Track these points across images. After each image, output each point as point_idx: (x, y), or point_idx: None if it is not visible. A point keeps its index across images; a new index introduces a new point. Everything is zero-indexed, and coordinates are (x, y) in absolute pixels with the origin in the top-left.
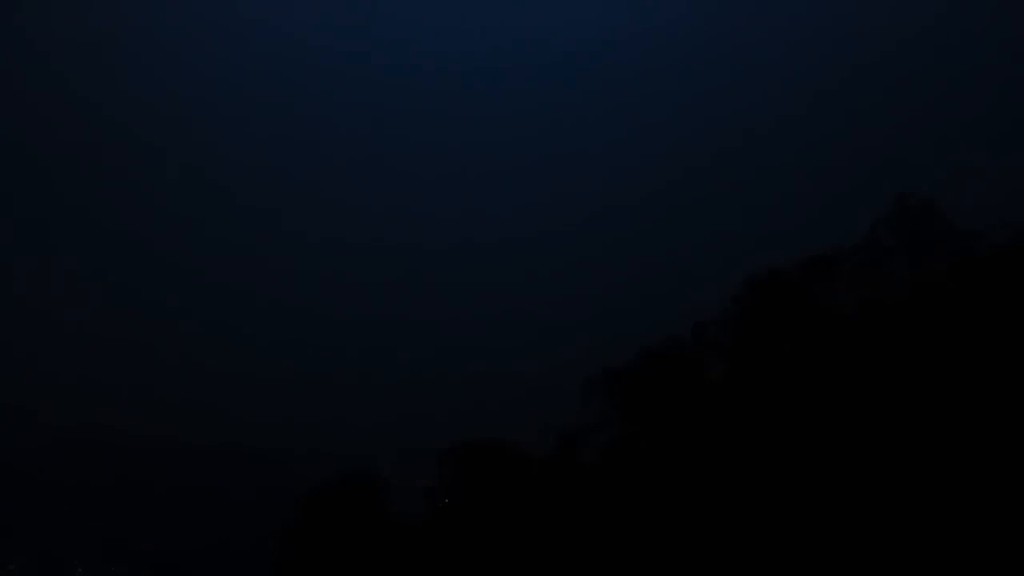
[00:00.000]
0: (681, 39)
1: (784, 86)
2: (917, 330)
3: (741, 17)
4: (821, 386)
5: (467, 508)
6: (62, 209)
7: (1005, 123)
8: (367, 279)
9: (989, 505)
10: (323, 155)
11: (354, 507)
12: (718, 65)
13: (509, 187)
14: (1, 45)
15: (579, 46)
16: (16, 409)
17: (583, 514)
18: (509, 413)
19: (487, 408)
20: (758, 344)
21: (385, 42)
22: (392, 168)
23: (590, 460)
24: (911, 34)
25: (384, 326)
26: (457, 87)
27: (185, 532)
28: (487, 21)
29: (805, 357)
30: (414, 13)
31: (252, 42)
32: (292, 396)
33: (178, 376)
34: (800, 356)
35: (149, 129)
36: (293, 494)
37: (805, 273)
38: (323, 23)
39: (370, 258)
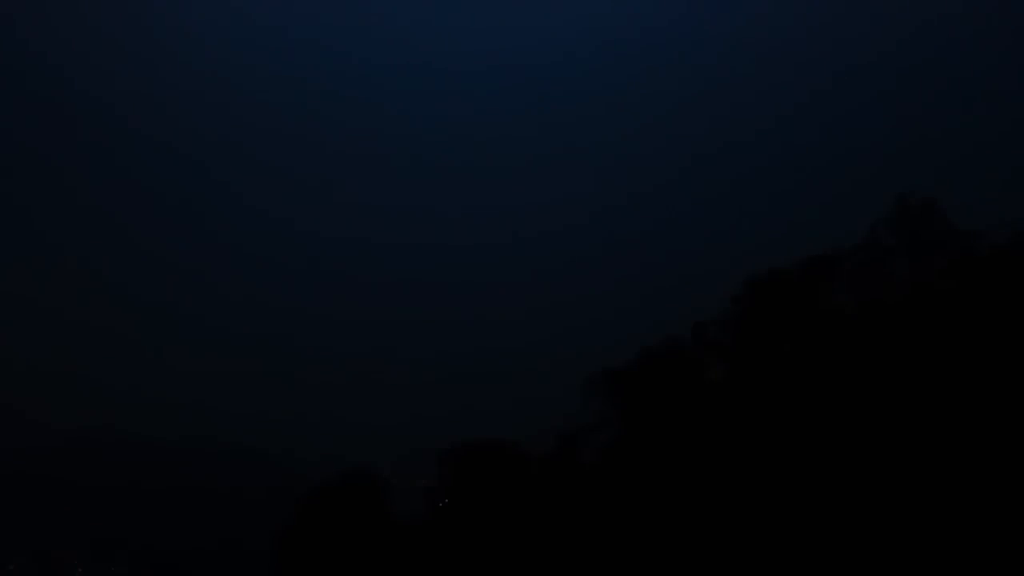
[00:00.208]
0: (680, 39)
1: (784, 86)
2: (917, 330)
3: (741, 17)
4: (821, 386)
5: (467, 508)
6: (62, 208)
7: (1005, 123)
8: (367, 279)
9: (989, 505)
10: (325, 155)
11: (354, 507)
12: (717, 65)
13: (509, 187)
14: (1, 45)
15: (579, 46)
16: (16, 409)
17: (583, 514)
18: (509, 413)
19: (487, 408)
20: (758, 344)
21: (387, 42)
22: (392, 169)
23: (590, 460)
24: (911, 34)
25: (384, 326)
26: (458, 87)
27: (185, 532)
28: (489, 21)
29: (805, 357)
30: (416, 13)
31: (253, 42)
32: (292, 396)
33: (178, 376)
34: (800, 356)
35: (149, 128)
36: (293, 494)
37: (805, 273)
38: (325, 23)
39: (370, 258)
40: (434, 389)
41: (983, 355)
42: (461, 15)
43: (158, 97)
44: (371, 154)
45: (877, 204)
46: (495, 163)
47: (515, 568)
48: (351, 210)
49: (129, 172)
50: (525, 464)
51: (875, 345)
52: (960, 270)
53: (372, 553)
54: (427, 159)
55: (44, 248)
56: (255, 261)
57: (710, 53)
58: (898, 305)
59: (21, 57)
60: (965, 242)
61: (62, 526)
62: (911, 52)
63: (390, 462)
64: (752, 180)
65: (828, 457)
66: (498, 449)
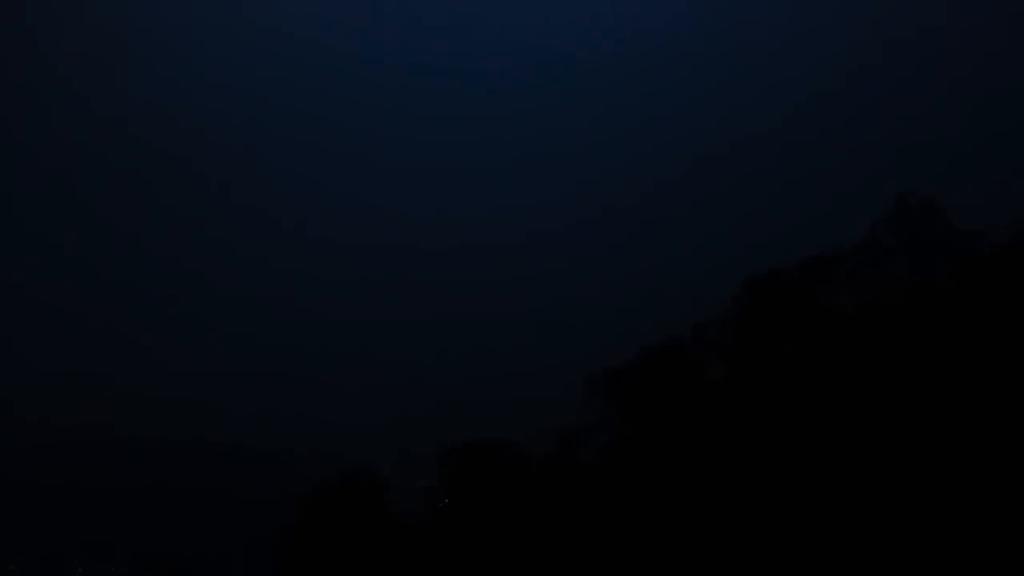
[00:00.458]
0: (680, 39)
1: (783, 86)
2: (917, 330)
3: (740, 17)
4: (821, 386)
5: (467, 508)
6: (62, 208)
7: (1005, 123)
8: (367, 279)
9: (989, 505)
10: (326, 156)
11: (354, 507)
12: (717, 65)
13: (508, 188)
14: (2, 45)
15: (579, 47)
16: (16, 409)
17: (583, 514)
18: (509, 413)
19: (487, 408)
20: (758, 344)
21: (386, 42)
22: (392, 169)
23: (590, 460)
24: (911, 34)
25: (384, 326)
26: (457, 87)
27: (185, 532)
28: (487, 22)
29: (805, 357)
30: (414, 14)
31: (252, 42)
32: (292, 396)
33: (178, 376)
34: (800, 356)
35: (149, 128)
36: (293, 494)
37: (805, 273)
38: (323, 23)
39: (369, 258)
40: (434, 389)
41: (983, 355)
42: (461, 15)
43: (158, 100)
44: (371, 155)
45: (877, 204)
46: (495, 163)
47: (515, 568)
48: (351, 210)
49: (129, 173)
50: (525, 464)
51: (875, 345)
52: (960, 270)
53: (372, 553)
54: (426, 160)
55: (44, 248)
56: (254, 261)
57: (710, 53)
58: (898, 305)
59: (20, 56)
60: (965, 242)
61: (62, 526)
62: (911, 52)
63: (390, 462)
64: (752, 180)
65: (828, 457)
66: (498, 449)
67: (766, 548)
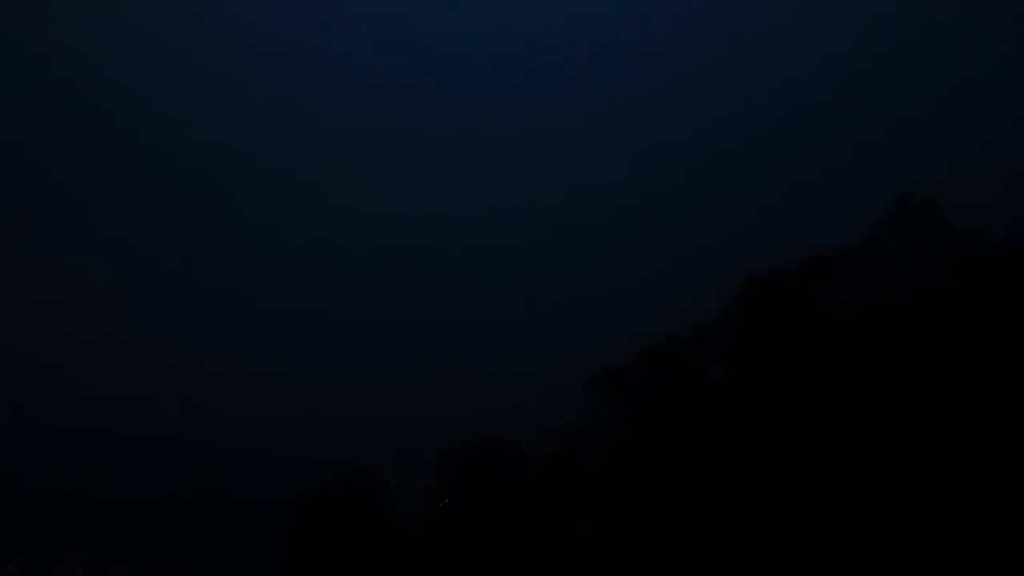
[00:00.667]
0: (680, 40)
1: (784, 86)
2: (917, 330)
3: (741, 18)
4: (821, 386)
5: (467, 508)
6: (62, 209)
7: (1005, 123)
8: (367, 280)
9: (989, 505)
10: (327, 157)
11: (354, 507)
12: (718, 65)
13: (508, 187)
14: (2, 45)
15: (579, 47)
16: (16, 411)
17: (583, 514)
18: (509, 413)
19: (487, 408)
20: (758, 344)
21: (387, 43)
22: (393, 170)
23: (590, 460)
24: (911, 34)
25: (384, 327)
26: (457, 87)
27: (185, 532)
28: (487, 22)
29: (805, 357)
30: (415, 15)
31: (252, 43)
32: (292, 397)
33: (178, 377)
34: (800, 356)
35: (149, 128)
36: (293, 494)
37: (805, 273)
38: (324, 24)
39: (369, 259)
40: (434, 389)
41: (984, 355)
42: (462, 16)
43: (159, 100)
44: (372, 155)
45: (877, 204)
46: (495, 164)
47: (515, 568)
48: (352, 211)
49: (130, 173)
50: (526, 464)
51: (875, 346)
52: (960, 270)
53: (372, 553)
54: (426, 160)
55: (43, 249)
56: (254, 262)
57: (710, 54)
58: (898, 305)
59: (20, 56)
60: (965, 242)
61: (62, 526)
62: (911, 52)
63: (390, 462)
64: (753, 180)
65: (828, 457)
66: (498, 449)
67: (766, 548)
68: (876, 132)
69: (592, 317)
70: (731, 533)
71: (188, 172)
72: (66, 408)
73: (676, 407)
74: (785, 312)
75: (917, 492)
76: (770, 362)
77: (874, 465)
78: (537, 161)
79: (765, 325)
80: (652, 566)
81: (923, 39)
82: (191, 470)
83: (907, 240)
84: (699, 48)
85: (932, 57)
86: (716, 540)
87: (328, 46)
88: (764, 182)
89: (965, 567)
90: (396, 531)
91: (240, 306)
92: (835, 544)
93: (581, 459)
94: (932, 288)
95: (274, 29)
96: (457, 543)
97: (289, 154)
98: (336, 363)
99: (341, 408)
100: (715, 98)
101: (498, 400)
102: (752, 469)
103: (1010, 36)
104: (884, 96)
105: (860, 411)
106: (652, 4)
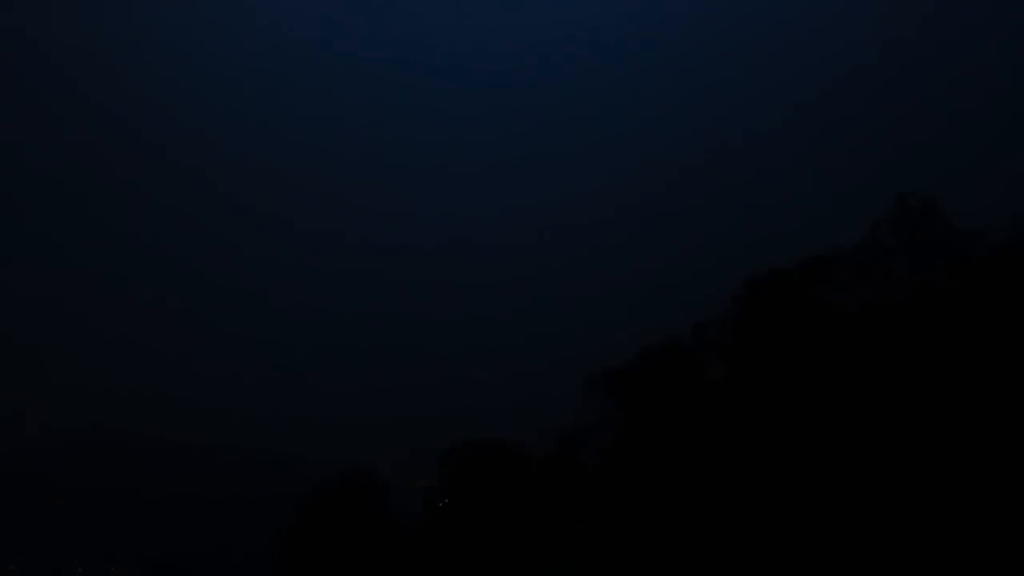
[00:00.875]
0: (681, 38)
1: (783, 86)
2: (917, 330)
3: (740, 17)
4: (821, 386)
5: (467, 508)
6: (62, 208)
7: (1005, 123)
8: (367, 280)
9: (989, 505)
10: (327, 157)
11: (355, 508)
12: (717, 65)
13: (509, 187)
14: (2, 45)
15: (579, 47)
16: (16, 410)
17: (583, 514)
18: (509, 413)
19: (487, 408)
20: (758, 344)
21: (387, 43)
22: (392, 168)
23: (590, 460)
24: (911, 34)
25: (384, 327)
26: (457, 87)
27: (185, 533)
28: (487, 22)
29: (805, 357)
30: (416, 15)
31: (252, 42)
32: (292, 397)
33: (178, 377)
34: (800, 356)
35: (149, 128)
36: (293, 494)
37: (805, 273)
38: (324, 24)
39: (369, 259)
40: (434, 389)
41: (984, 355)
42: (460, 16)
43: (159, 102)
44: (371, 155)
45: (877, 204)
46: (496, 164)
47: (515, 568)
48: (352, 211)
49: (131, 173)
50: (525, 464)
51: (875, 345)
52: (960, 270)
53: (372, 553)
54: (427, 161)
55: (47, 249)
56: (254, 262)
57: (711, 54)
58: (898, 305)
59: (20, 56)
60: (965, 242)
61: (62, 526)
62: (911, 52)
63: (390, 462)
64: (753, 180)
65: (828, 457)
66: (498, 449)
67: (766, 547)
68: (876, 132)
69: (591, 317)
70: (731, 533)
71: (188, 172)
72: (66, 408)
73: (676, 407)
74: (785, 312)
75: (917, 492)
76: (770, 362)
77: (874, 465)
78: (537, 160)
79: (765, 325)
80: (652, 566)
81: (923, 39)
82: (191, 470)
83: (907, 240)
84: (699, 49)
85: (932, 57)
86: (716, 540)
87: (328, 46)
88: (764, 182)
89: (965, 567)
90: (396, 531)
91: (238, 306)
92: (835, 544)
93: (581, 459)
94: (932, 288)
95: (274, 28)
96: (457, 543)
97: (289, 154)
98: (337, 363)
99: (341, 408)
100: (715, 99)
101: (498, 400)
102: (752, 469)
103: (1010, 36)
104: (884, 96)
105: (860, 411)
106: (652, 4)
